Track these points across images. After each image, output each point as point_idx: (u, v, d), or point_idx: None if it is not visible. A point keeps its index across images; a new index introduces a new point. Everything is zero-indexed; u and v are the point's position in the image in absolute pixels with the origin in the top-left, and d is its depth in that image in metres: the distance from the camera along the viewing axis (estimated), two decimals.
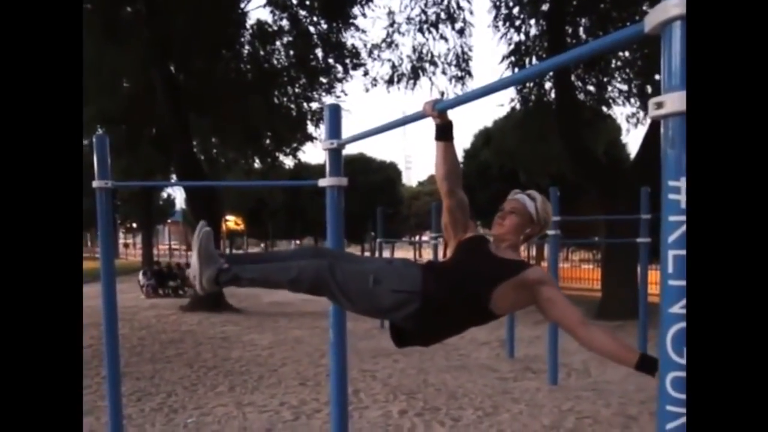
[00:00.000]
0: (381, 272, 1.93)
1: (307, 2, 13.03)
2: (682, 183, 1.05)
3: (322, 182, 2.52)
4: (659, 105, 1.07)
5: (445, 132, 1.98)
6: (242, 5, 13.10)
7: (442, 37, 12.93)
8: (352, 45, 13.55)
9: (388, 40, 13.18)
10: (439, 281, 1.91)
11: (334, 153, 2.51)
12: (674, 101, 1.04)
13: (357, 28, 13.39)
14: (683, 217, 1.05)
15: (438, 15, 12.62)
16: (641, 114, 13.70)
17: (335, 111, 2.55)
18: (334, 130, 2.51)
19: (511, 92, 13.79)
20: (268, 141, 15.48)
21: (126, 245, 52.78)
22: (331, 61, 13.66)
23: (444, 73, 13.33)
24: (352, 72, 13.80)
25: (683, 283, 1.05)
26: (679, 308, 1.07)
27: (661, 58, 1.07)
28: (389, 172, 37.64)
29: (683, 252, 1.05)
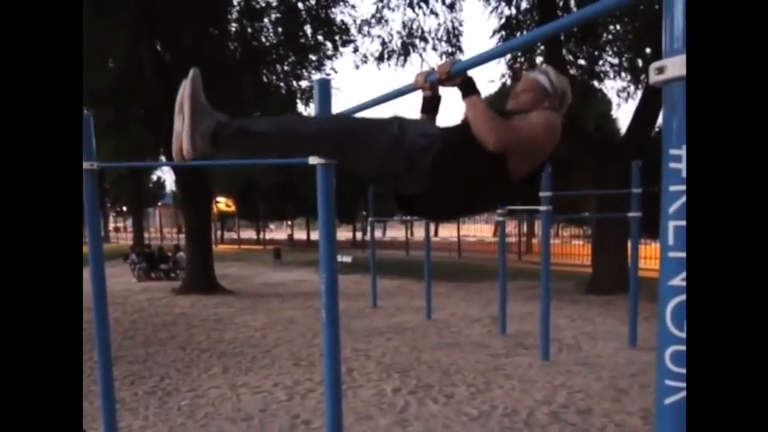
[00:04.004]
0: (403, 120, 1.79)
1: None
2: (683, 151, 1.01)
3: (313, 160, 2.47)
4: (660, 70, 1.02)
5: (433, 106, 1.93)
6: None
7: (433, 12, 12.80)
8: (342, 21, 13.36)
9: (378, 15, 13.02)
10: (457, 129, 1.82)
11: None
12: (676, 66, 1.00)
13: (346, 3, 13.20)
14: (684, 187, 1.01)
15: None
16: (632, 88, 13.68)
17: (325, 86, 2.48)
18: (324, 106, 2.44)
19: (501, 68, 13.70)
20: None
21: (116, 229, 52.50)
22: (320, 37, 13.46)
23: (435, 49, 13.24)
24: (341, 49, 13.63)
25: (684, 255, 1.02)
26: (679, 281, 1.04)
27: (663, 20, 1.03)
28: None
29: (684, 223, 1.02)
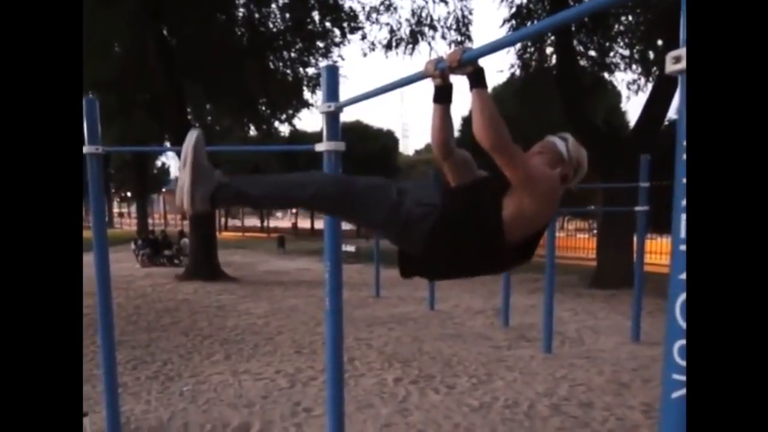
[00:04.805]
0: (401, 186, 1.83)
1: None
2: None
3: (319, 147, 2.44)
4: (677, 59, 1.00)
5: (446, 94, 1.89)
6: None
7: None
8: (350, 7, 13.24)
9: (387, 2, 12.89)
10: (455, 194, 1.85)
11: (332, 116, 2.42)
12: None
13: None
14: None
15: None
16: (642, 80, 13.55)
17: (332, 72, 2.45)
18: (332, 93, 2.41)
19: (511, 58, 13.59)
20: (263, 107, 15.25)
21: (120, 215, 52.66)
22: (328, 24, 13.35)
23: (443, 37, 13.12)
24: (349, 36, 13.52)
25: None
26: (686, 275, 1.02)
27: (681, 8, 1.00)
28: (386, 140, 37.27)
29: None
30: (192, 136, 1.76)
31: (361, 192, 1.80)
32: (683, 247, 1.03)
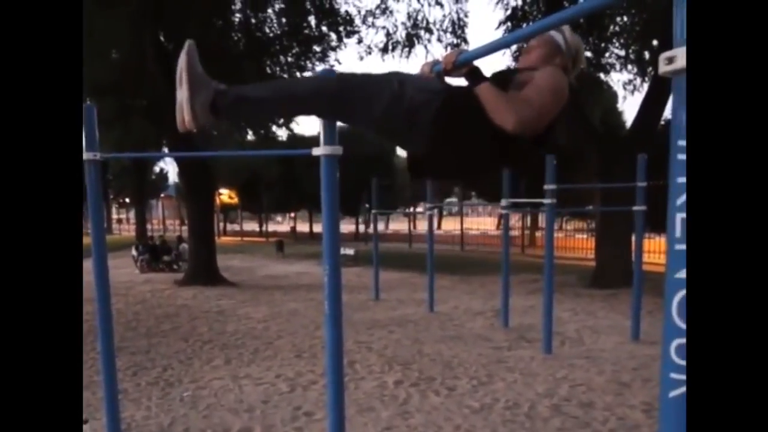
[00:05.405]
0: (402, 76, 1.77)
1: None
2: None
3: (316, 151, 2.45)
4: (670, 60, 1.01)
5: None
6: None
7: (438, 2, 12.70)
8: (346, 12, 13.27)
9: (383, 6, 12.93)
10: (460, 87, 1.79)
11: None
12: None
13: None
14: None
15: None
16: (638, 80, 13.59)
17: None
18: None
19: (507, 59, 13.62)
20: None
21: (119, 221, 52.64)
22: (324, 28, 13.37)
23: (439, 40, 13.14)
24: (346, 40, 13.54)
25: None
26: (685, 273, 1.03)
27: (673, 9, 1.01)
28: (384, 143, 37.33)
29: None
30: (184, 50, 1.70)
31: (363, 84, 1.74)
32: (679, 247, 1.04)
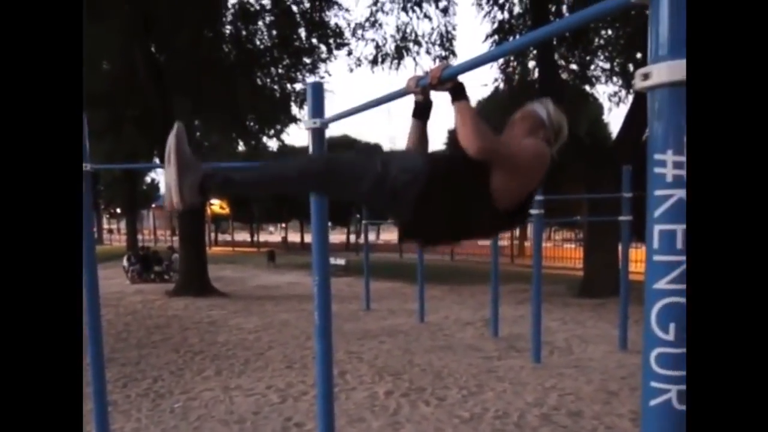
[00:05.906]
0: (385, 156, 1.83)
1: None
2: (668, 156, 1.03)
3: None
4: (646, 76, 1.04)
5: (424, 111, 1.95)
6: None
7: (426, 15, 12.84)
8: (336, 24, 13.39)
9: (372, 19, 13.05)
10: (441, 161, 1.85)
11: (318, 132, 2.45)
12: (661, 72, 1.02)
13: (340, 7, 13.22)
14: (669, 191, 1.03)
15: None
16: (623, 93, 13.79)
17: (318, 89, 2.50)
18: (317, 109, 2.46)
19: (494, 72, 13.77)
20: (251, 123, 15.28)
21: (110, 231, 52.20)
22: (314, 40, 13.46)
23: (428, 52, 13.28)
24: (335, 52, 13.64)
25: (669, 258, 1.04)
26: (664, 284, 1.06)
27: (648, 27, 1.05)
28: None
29: (669, 227, 1.04)
30: (173, 132, 1.76)
31: (346, 165, 1.81)
32: (657, 258, 1.07)
